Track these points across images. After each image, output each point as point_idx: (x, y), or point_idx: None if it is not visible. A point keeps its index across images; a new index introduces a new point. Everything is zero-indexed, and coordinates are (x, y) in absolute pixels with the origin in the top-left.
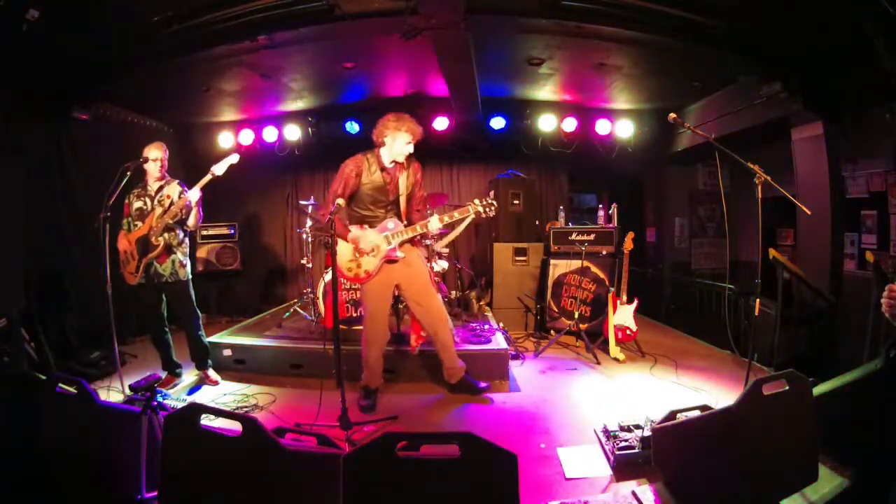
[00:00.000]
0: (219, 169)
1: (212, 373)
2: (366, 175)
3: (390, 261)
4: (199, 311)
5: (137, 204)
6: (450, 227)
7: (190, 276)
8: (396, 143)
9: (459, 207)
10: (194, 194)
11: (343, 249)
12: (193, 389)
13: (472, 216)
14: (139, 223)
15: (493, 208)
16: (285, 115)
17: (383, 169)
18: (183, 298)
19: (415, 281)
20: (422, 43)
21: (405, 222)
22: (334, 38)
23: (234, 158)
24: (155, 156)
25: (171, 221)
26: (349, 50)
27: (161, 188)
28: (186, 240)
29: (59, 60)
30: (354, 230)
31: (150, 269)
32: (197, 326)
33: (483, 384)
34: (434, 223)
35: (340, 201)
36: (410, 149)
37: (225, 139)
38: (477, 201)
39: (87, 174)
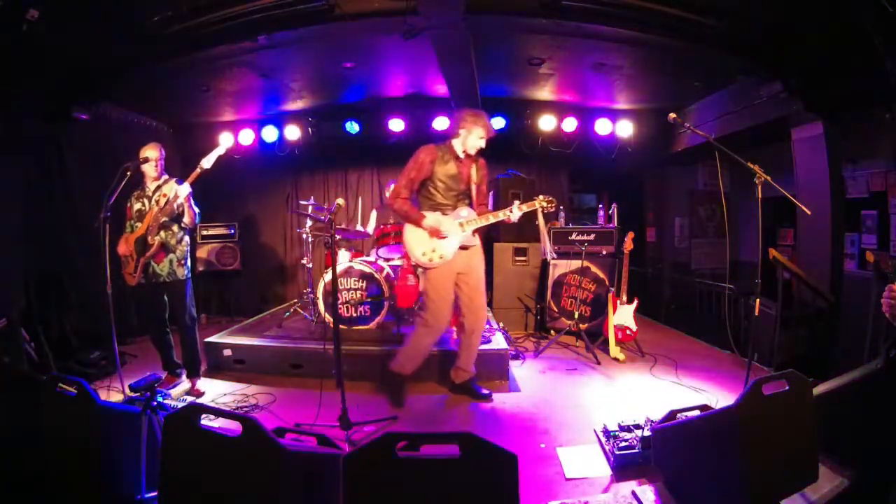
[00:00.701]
0: (207, 162)
1: (200, 384)
2: (439, 163)
3: (462, 248)
4: (195, 316)
5: (137, 206)
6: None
7: (189, 276)
8: (471, 136)
9: (528, 201)
10: (183, 189)
11: (415, 236)
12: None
13: (538, 208)
14: (139, 224)
15: (553, 205)
16: (285, 115)
17: (456, 158)
18: (180, 299)
19: (473, 274)
20: (422, 43)
21: (475, 212)
22: (334, 38)
23: (222, 149)
24: (150, 156)
25: (165, 219)
26: (349, 50)
27: (158, 187)
28: (186, 238)
29: (59, 60)
30: (430, 216)
31: (148, 270)
32: (191, 331)
33: (485, 391)
34: (516, 212)
35: (340, 201)
36: (482, 144)
37: (225, 139)
38: (541, 197)
39: (87, 174)
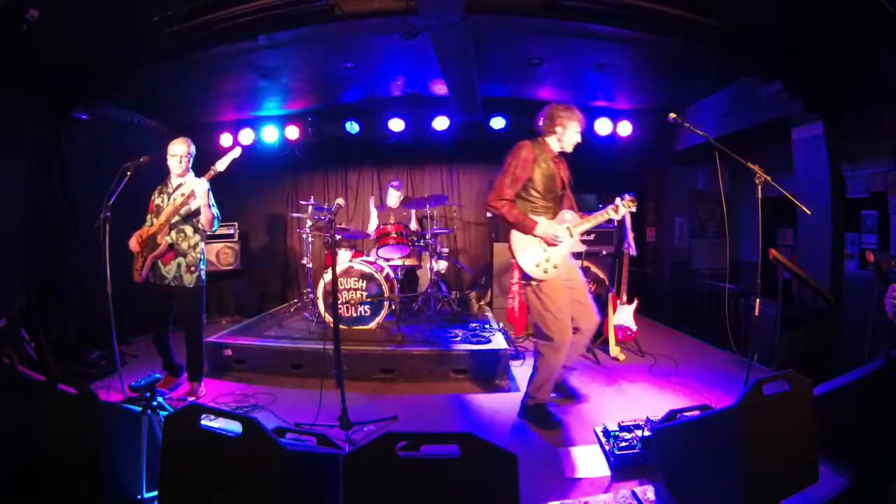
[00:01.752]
0: (221, 165)
1: (201, 389)
2: (539, 162)
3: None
4: (203, 323)
5: (157, 201)
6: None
7: (199, 284)
8: (568, 132)
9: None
10: (201, 185)
11: (526, 246)
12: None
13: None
14: (156, 220)
15: (634, 204)
16: (285, 115)
17: (554, 158)
18: (186, 305)
19: (577, 276)
20: (422, 43)
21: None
22: (334, 38)
23: (237, 153)
24: (175, 151)
25: (179, 218)
26: (349, 50)
27: (180, 185)
28: (202, 245)
29: (59, 60)
30: (542, 221)
31: (156, 269)
32: (197, 337)
33: (571, 388)
34: (622, 209)
35: (340, 201)
36: (579, 138)
37: (225, 139)
38: (628, 196)
39: (87, 174)
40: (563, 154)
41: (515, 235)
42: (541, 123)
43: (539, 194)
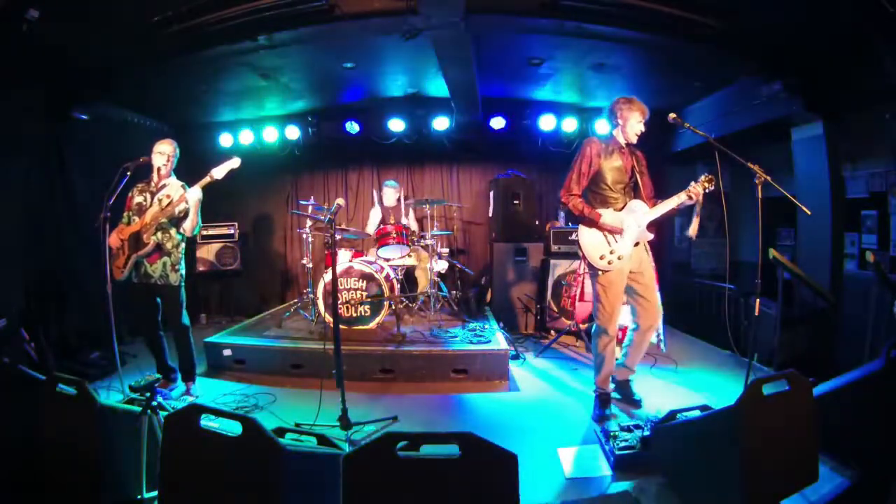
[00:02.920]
0: (218, 172)
1: (194, 388)
2: (605, 156)
3: (636, 244)
4: (188, 321)
5: (138, 199)
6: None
7: (181, 283)
8: (631, 121)
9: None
10: (194, 194)
11: (591, 237)
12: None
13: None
14: (136, 218)
15: (711, 184)
16: (285, 115)
17: (620, 150)
18: (172, 304)
19: (647, 270)
20: (422, 43)
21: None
22: (334, 38)
23: (236, 163)
24: (162, 150)
25: (165, 220)
26: (349, 50)
27: (164, 186)
28: (183, 245)
29: (59, 60)
30: (607, 213)
31: (140, 268)
32: (185, 336)
33: (637, 399)
34: (699, 189)
35: (340, 201)
36: (643, 127)
37: (225, 139)
38: (703, 176)
39: (87, 174)
40: (632, 145)
41: (583, 227)
42: (607, 118)
43: (607, 186)
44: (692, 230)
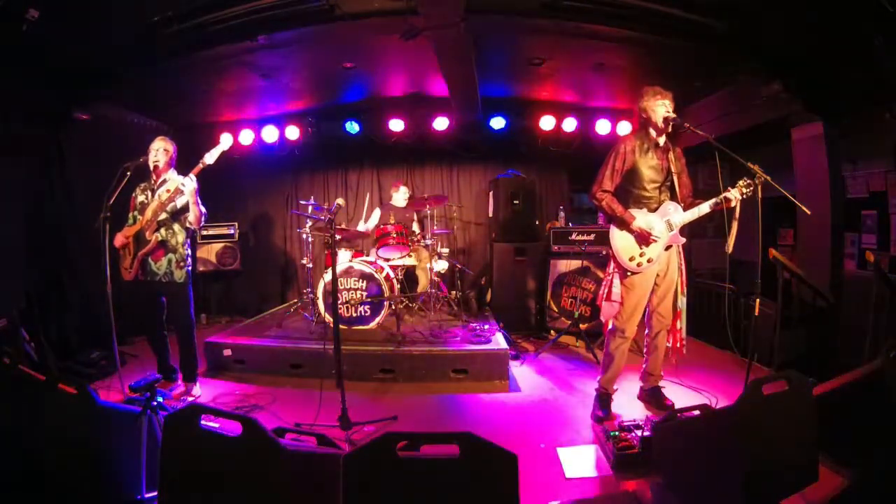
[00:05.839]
0: (210, 157)
1: (196, 389)
2: (640, 153)
3: (668, 247)
4: (193, 320)
5: (141, 198)
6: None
7: (188, 280)
8: (656, 113)
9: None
10: (189, 183)
11: (623, 239)
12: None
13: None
14: (140, 217)
15: (750, 189)
16: (285, 115)
17: (655, 147)
18: (177, 301)
19: (671, 274)
20: (422, 43)
21: (681, 205)
22: (334, 38)
23: (226, 145)
24: (158, 146)
25: (165, 215)
26: (349, 50)
27: (164, 181)
28: (188, 241)
29: (59, 60)
30: (640, 215)
31: (145, 267)
32: (189, 335)
33: (670, 401)
34: (735, 194)
35: (340, 201)
36: (670, 112)
37: (225, 139)
38: (742, 181)
39: (87, 174)
40: (670, 143)
41: (614, 231)
42: (639, 114)
43: (641, 184)
44: (729, 245)
